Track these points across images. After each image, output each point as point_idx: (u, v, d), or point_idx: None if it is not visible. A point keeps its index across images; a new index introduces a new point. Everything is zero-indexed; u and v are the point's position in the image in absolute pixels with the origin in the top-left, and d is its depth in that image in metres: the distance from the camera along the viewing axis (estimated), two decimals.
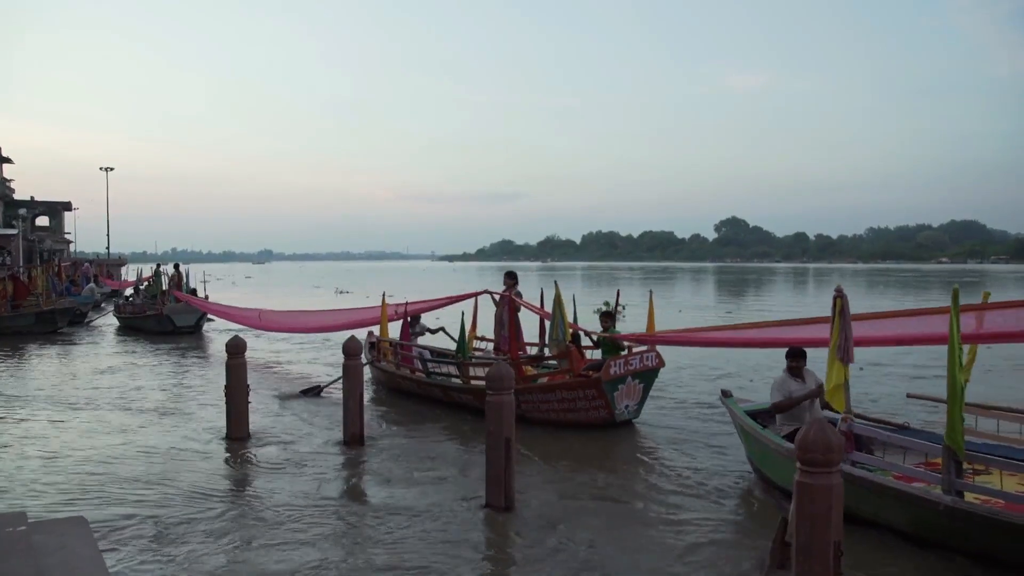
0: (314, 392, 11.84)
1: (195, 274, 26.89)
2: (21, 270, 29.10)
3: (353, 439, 8.53)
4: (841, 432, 5.71)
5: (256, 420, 9.48)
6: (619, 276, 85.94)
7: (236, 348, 8.85)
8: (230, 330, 20.28)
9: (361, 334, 11.99)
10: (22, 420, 9.98)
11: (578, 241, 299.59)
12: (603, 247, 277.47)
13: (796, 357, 6.74)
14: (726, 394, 8.07)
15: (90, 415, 10.30)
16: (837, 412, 5.97)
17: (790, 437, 6.22)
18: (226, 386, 8.82)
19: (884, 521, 5.66)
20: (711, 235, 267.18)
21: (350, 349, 8.87)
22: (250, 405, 9.00)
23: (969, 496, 5.20)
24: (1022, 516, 4.89)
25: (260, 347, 17.81)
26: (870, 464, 5.90)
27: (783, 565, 4.43)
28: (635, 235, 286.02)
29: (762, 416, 7.23)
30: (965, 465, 5.45)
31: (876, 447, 6.23)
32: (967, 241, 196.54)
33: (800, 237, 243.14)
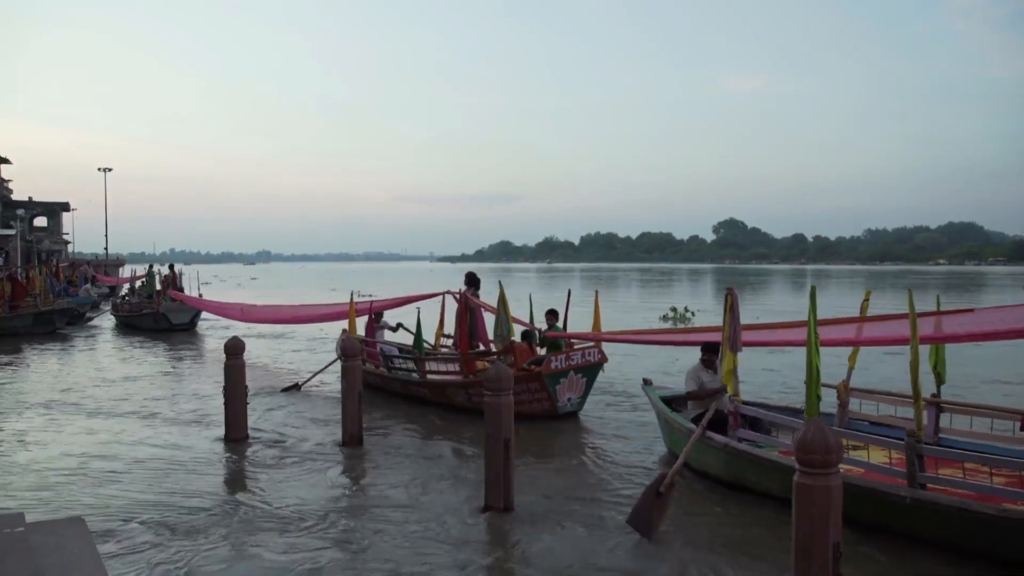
0: (294, 388, 12.27)
1: (200, 275, 27.12)
2: (19, 271, 29.02)
3: (351, 439, 8.52)
4: (728, 412, 6.87)
5: (254, 420, 9.48)
6: (617, 277, 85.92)
7: (235, 349, 8.82)
8: (223, 327, 20.63)
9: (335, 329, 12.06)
10: (20, 421, 9.97)
11: (576, 242, 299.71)
12: (602, 248, 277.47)
13: (710, 351, 7.40)
14: (647, 382, 8.90)
15: (88, 416, 10.29)
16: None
17: (697, 419, 7.03)
18: (224, 387, 8.81)
19: (765, 489, 6.36)
20: (709, 236, 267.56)
21: (348, 349, 8.86)
22: (248, 406, 8.99)
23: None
24: (868, 481, 5.55)
25: (259, 348, 17.84)
26: (759, 441, 6.68)
27: (648, 512, 5.75)
28: (633, 236, 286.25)
29: (676, 401, 8.05)
30: (846, 442, 5.76)
31: (775, 429, 7.10)
32: (965, 243, 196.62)
33: (798, 239, 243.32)
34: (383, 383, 11.83)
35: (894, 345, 6.41)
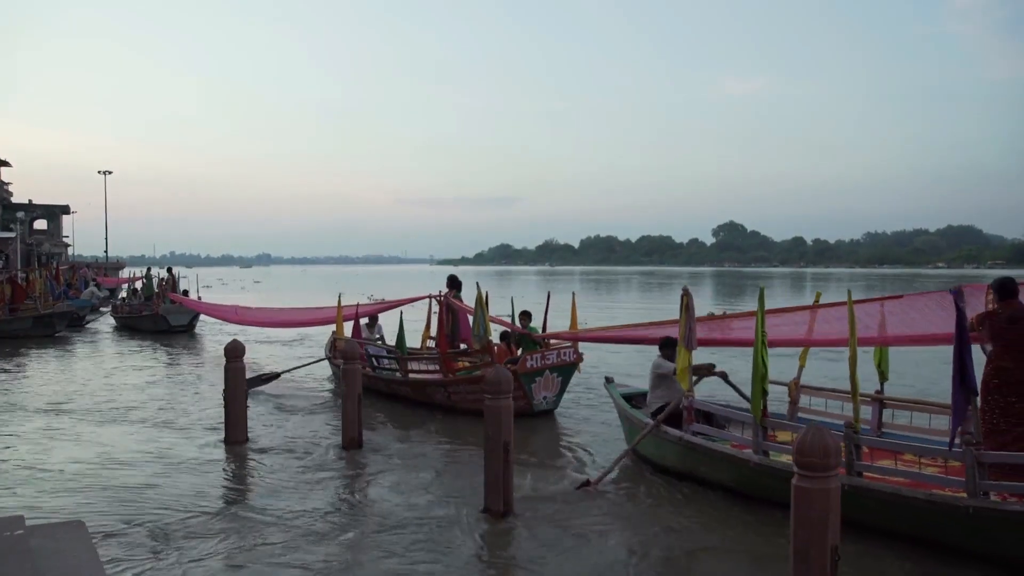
0: (273, 377, 12.54)
1: (204, 279, 27.40)
2: (19, 273, 29.02)
3: (351, 443, 8.52)
4: (683, 407, 7.14)
5: (254, 423, 9.47)
6: (618, 280, 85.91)
7: (235, 352, 8.82)
8: (221, 330, 20.88)
9: (325, 331, 12.58)
10: (19, 424, 9.96)
11: (576, 245, 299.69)
12: (601, 251, 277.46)
13: (668, 347, 7.77)
14: (608, 380, 9.25)
15: (87, 419, 10.29)
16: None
17: (659, 411, 7.34)
18: (224, 390, 8.80)
19: (717, 480, 6.79)
20: (709, 239, 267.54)
21: (348, 353, 8.87)
22: (248, 408, 8.99)
23: (784, 458, 6.12)
24: None
25: (257, 349, 17.83)
26: (712, 435, 7.06)
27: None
28: (633, 240, 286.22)
29: (636, 398, 8.48)
30: (790, 436, 6.40)
31: (728, 423, 7.46)
32: (964, 246, 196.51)
33: (798, 241, 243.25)
34: (369, 382, 11.89)
35: (835, 347, 6.99)
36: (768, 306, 6.20)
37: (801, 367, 7.56)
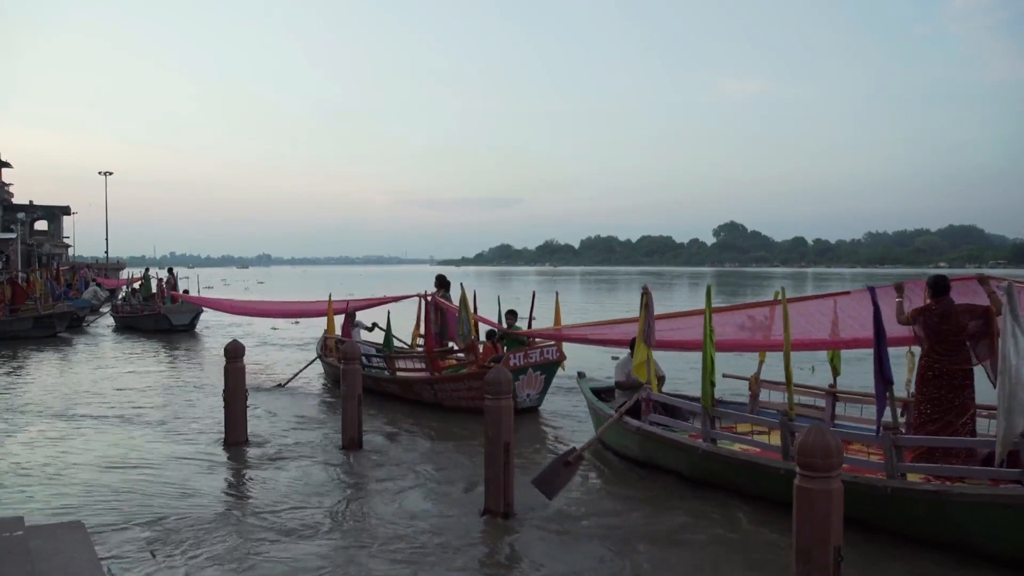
0: (277, 388, 12.71)
1: (207, 280, 27.65)
2: (20, 274, 29.02)
3: (351, 443, 8.50)
4: (641, 399, 7.55)
5: (254, 424, 9.46)
6: (618, 281, 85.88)
7: (235, 352, 8.79)
8: (222, 330, 21.12)
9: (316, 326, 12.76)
10: (19, 424, 9.94)
11: (577, 246, 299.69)
12: (602, 252, 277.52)
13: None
14: (581, 375, 9.63)
15: (88, 420, 10.26)
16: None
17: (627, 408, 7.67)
18: (224, 391, 8.79)
19: (674, 467, 7.21)
20: (710, 240, 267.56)
21: (349, 353, 8.85)
22: (248, 409, 8.97)
23: (737, 447, 6.62)
24: (755, 457, 6.34)
25: (256, 350, 17.85)
26: (670, 425, 7.40)
27: (553, 477, 6.43)
28: (633, 240, 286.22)
29: (605, 392, 8.91)
30: (750, 427, 6.88)
31: (694, 417, 7.53)
32: (965, 246, 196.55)
33: (799, 242, 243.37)
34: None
35: (771, 351, 7.49)
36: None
37: (761, 362, 8.02)
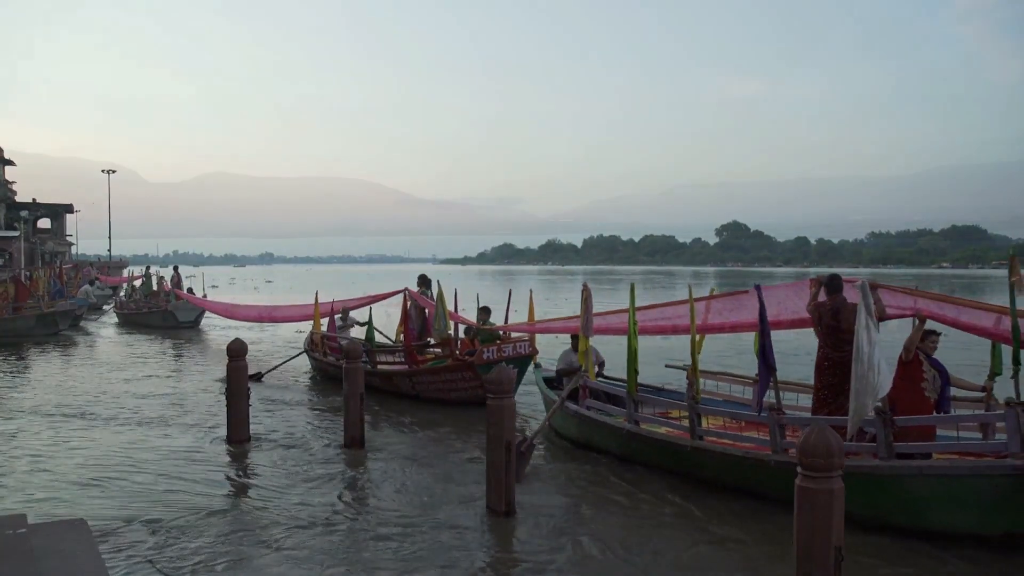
0: (256, 377, 12.78)
1: (214, 279, 27.83)
2: (23, 272, 29.06)
3: (353, 442, 8.51)
4: (579, 386, 8.37)
5: (257, 422, 9.47)
6: (621, 280, 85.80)
7: (237, 351, 8.81)
8: (225, 327, 21.37)
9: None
10: (21, 423, 9.97)
11: (579, 245, 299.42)
12: (604, 251, 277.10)
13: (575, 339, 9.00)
14: (537, 365, 10.40)
15: (90, 417, 10.29)
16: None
17: (571, 393, 8.43)
18: (227, 389, 8.80)
19: (607, 448, 7.98)
20: (712, 239, 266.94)
21: (351, 352, 8.86)
22: (250, 407, 8.99)
23: (663, 430, 7.35)
24: (668, 436, 7.14)
25: (254, 350, 17.85)
26: (606, 410, 8.10)
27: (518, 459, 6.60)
28: (636, 239, 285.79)
29: (556, 381, 9.66)
30: (679, 412, 7.46)
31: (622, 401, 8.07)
32: (968, 246, 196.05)
33: (801, 241, 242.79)
34: (341, 373, 12.37)
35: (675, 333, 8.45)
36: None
37: (694, 354, 8.29)
